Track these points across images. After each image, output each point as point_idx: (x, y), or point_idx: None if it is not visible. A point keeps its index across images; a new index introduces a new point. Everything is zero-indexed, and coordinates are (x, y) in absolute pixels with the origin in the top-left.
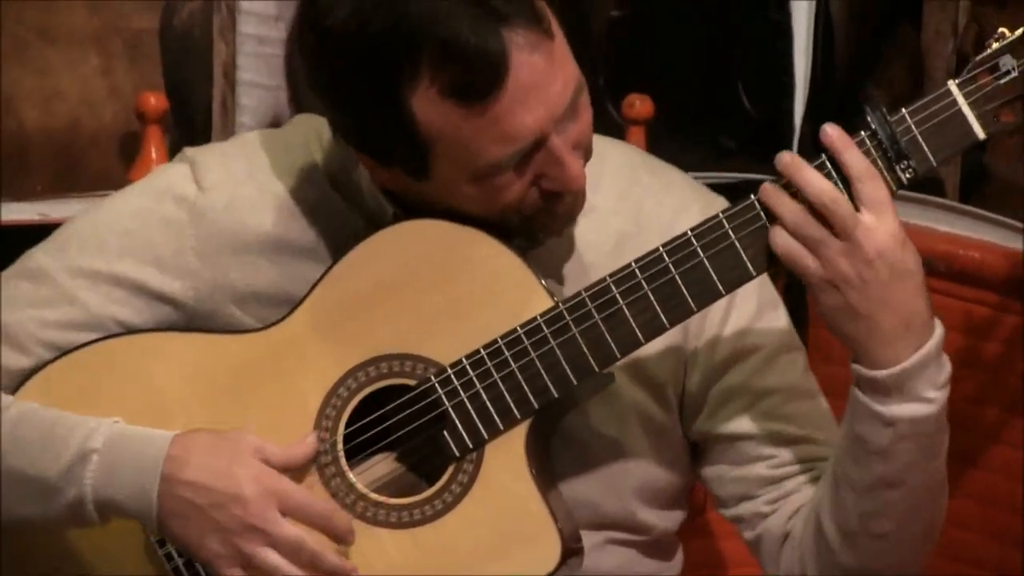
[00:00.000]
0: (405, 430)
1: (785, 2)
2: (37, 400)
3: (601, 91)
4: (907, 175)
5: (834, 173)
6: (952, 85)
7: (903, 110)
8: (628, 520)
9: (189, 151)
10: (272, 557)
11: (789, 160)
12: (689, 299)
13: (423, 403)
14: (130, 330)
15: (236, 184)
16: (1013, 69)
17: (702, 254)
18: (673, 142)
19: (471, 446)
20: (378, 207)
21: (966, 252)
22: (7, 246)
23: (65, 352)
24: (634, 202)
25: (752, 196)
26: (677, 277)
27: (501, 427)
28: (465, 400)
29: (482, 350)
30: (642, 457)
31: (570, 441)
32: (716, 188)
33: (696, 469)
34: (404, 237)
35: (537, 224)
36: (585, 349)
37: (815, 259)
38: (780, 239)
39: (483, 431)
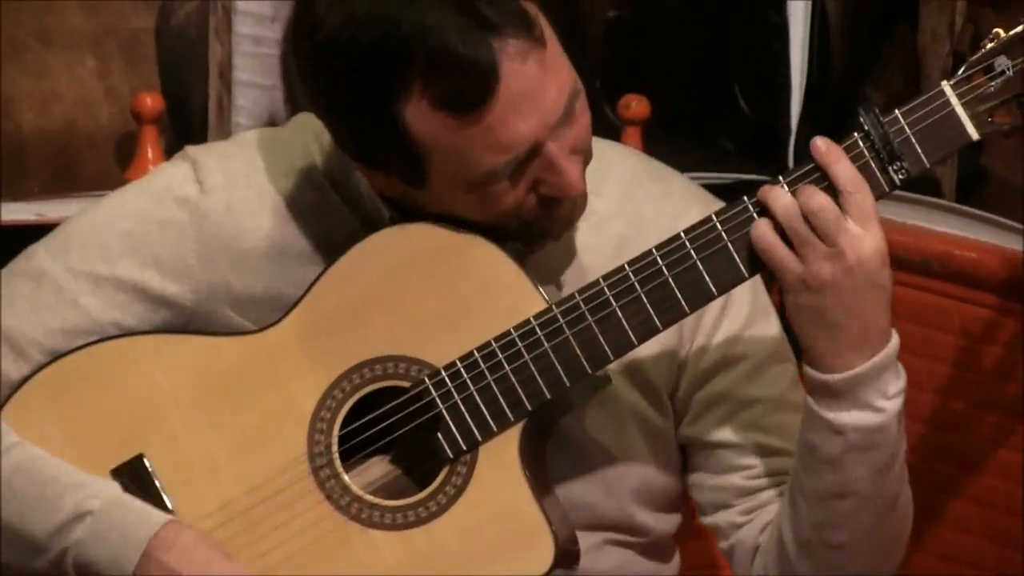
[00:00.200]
0: (400, 432)
1: (782, 3)
2: (34, 406)
3: (597, 92)
4: (900, 176)
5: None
6: (946, 86)
7: (896, 111)
8: (626, 522)
9: (191, 150)
10: None
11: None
12: (682, 301)
13: (417, 405)
14: (128, 333)
15: (236, 187)
16: (1008, 69)
17: (695, 256)
18: (670, 143)
19: (465, 448)
20: (376, 210)
21: (962, 252)
22: (5, 246)
23: (60, 355)
24: (635, 207)
25: (745, 198)
26: (670, 279)
27: (495, 429)
28: (459, 402)
29: (476, 352)
30: (639, 460)
31: (567, 443)
32: (712, 189)
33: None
34: (399, 240)
35: (536, 228)
36: (578, 351)
37: (794, 257)
38: (761, 232)
39: (477, 433)
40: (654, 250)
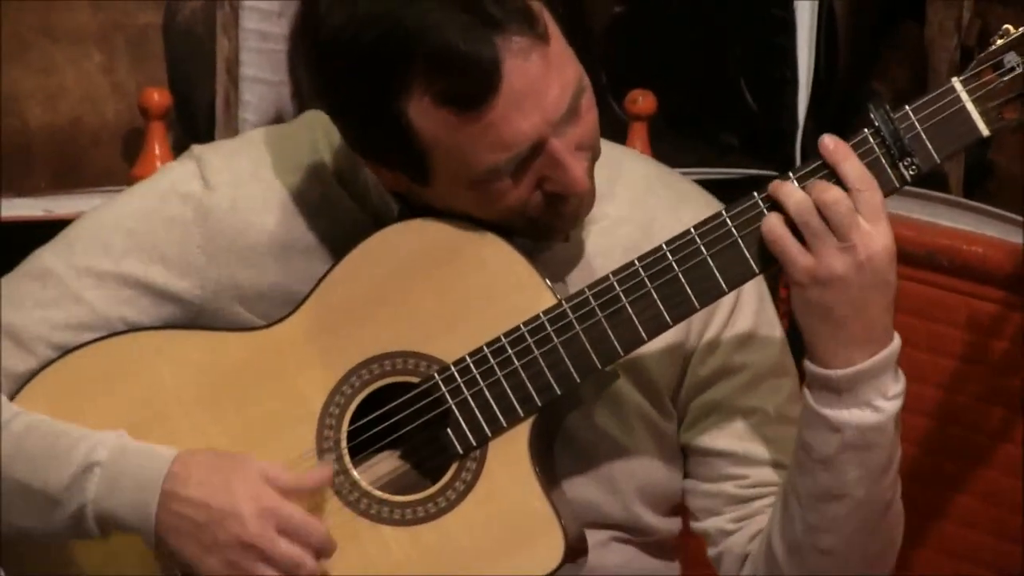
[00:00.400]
0: (409, 428)
1: None
2: (40, 400)
3: (603, 87)
4: (910, 172)
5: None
6: (956, 82)
7: (906, 107)
8: (630, 522)
9: (196, 148)
10: (269, 574)
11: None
12: (692, 296)
13: (426, 401)
14: (135, 328)
15: (241, 184)
16: (1018, 66)
17: (705, 251)
18: (675, 138)
19: (474, 444)
20: (384, 205)
21: (969, 247)
22: (11, 242)
23: (68, 351)
24: (646, 213)
25: (755, 193)
26: (680, 274)
27: (504, 425)
28: (468, 398)
29: (485, 348)
30: (645, 460)
31: (574, 442)
32: (718, 184)
33: None
34: (407, 235)
35: (542, 226)
36: (588, 346)
37: (804, 251)
38: (772, 225)
39: (486, 429)
40: (664, 245)
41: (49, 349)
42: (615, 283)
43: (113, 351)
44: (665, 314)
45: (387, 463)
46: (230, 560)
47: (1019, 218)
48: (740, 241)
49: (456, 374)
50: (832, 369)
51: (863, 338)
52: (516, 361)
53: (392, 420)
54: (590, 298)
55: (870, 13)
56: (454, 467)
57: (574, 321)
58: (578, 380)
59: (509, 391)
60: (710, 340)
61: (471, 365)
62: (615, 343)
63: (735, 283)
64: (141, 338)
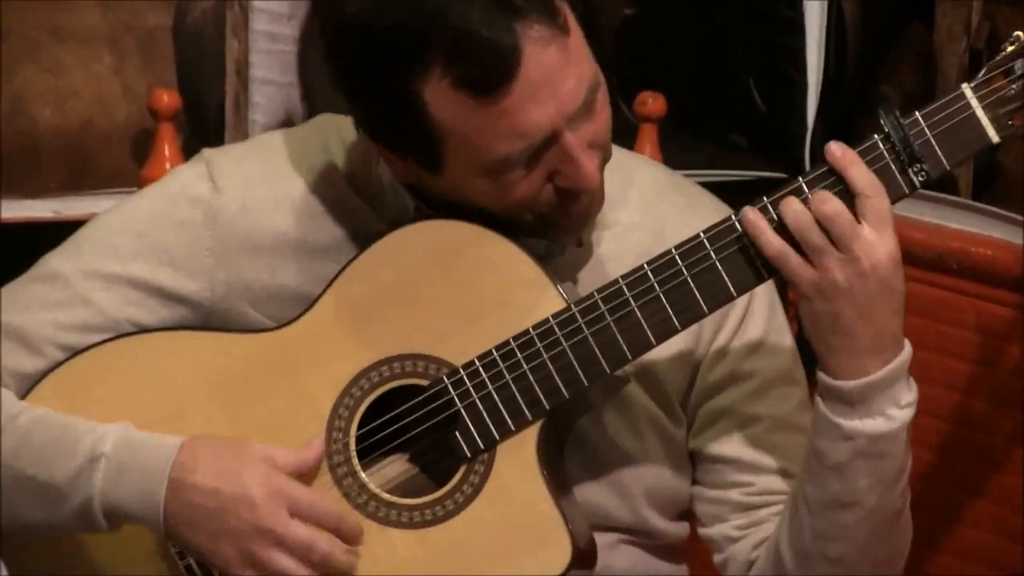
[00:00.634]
0: (417, 430)
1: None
2: (51, 401)
3: (613, 89)
4: (920, 178)
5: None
6: (966, 88)
7: (917, 113)
8: (639, 525)
9: (206, 151)
10: (283, 559)
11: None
12: (701, 301)
13: (435, 404)
14: (144, 330)
15: (251, 186)
16: None
17: (714, 256)
18: (684, 140)
19: (482, 447)
20: (399, 202)
21: (978, 249)
22: (21, 243)
23: (78, 352)
24: (658, 219)
25: (764, 198)
26: (689, 279)
27: (513, 428)
28: (477, 401)
29: (494, 351)
30: (655, 465)
31: (583, 446)
32: (727, 186)
33: None
34: (418, 238)
35: (551, 223)
36: (597, 350)
37: (806, 264)
38: (771, 240)
39: (494, 432)
40: (673, 250)
41: (57, 351)
42: (624, 287)
43: (122, 352)
44: (674, 318)
45: (396, 466)
46: (243, 546)
47: None
48: (749, 246)
49: (465, 377)
50: (844, 380)
51: (873, 347)
52: (525, 364)
53: (401, 423)
54: (599, 302)
55: (879, 15)
56: (462, 470)
57: (583, 325)
58: (586, 384)
59: (517, 394)
60: (720, 346)
61: (480, 368)
62: (624, 347)
63: (744, 288)
64: (150, 339)
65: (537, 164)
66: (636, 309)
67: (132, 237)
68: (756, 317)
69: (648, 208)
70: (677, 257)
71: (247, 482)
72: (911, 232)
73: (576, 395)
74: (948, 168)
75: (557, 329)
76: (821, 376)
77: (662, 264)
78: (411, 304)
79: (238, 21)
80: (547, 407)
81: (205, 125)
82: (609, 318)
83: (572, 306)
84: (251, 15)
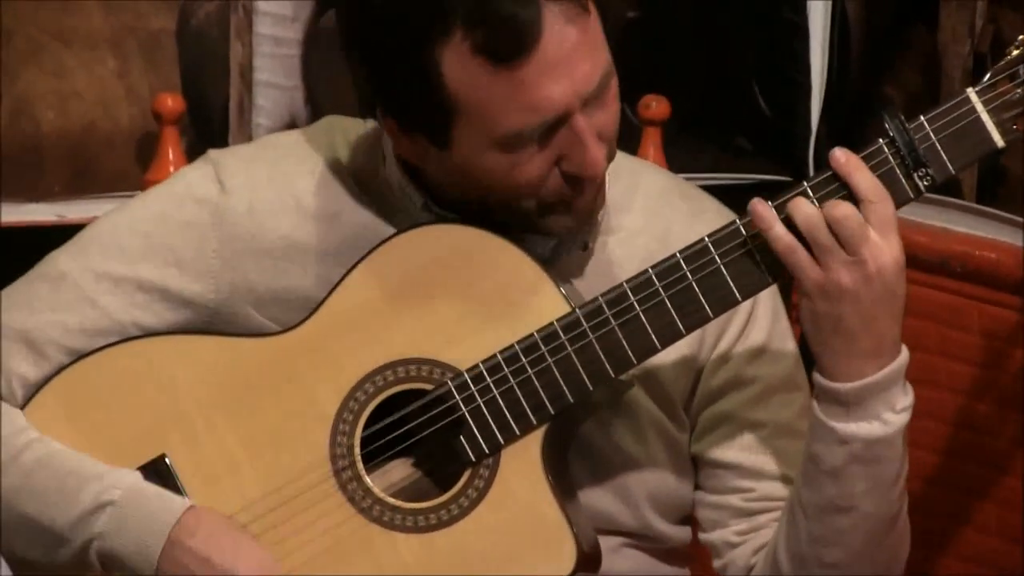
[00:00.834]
0: (422, 435)
1: (801, 2)
2: (53, 407)
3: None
4: (925, 183)
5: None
6: (971, 92)
7: (921, 117)
8: (642, 530)
9: (213, 153)
10: None
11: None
12: (706, 305)
13: (440, 408)
14: (149, 333)
15: (257, 187)
16: None
17: (719, 260)
18: (688, 143)
19: (487, 451)
20: (407, 199)
21: (982, 253)
22: (24, 246)
23: (82, 356)
24: (664, 224)
25: (769, 203)
26: (694, 283)
27: (517, 432)
28: (482, 405)
29: (499, 355)
30: (659, 470)
31: (587, 451)
32: (731, 189)
33: None
34: (423, 241)
35: (553, 215)
36: (601, 355)
37: (814, 263)
38: (781, 235)
39: (499, 436)
40: (678, 254)
41: (62, 354)
42: (629, 291)
43: (127, 356)
44: (679, 323)
45: (400, 470)
46: None
47: None
48: (754, 250)
49: (469, 381)
50: (841, 382)
51: (872, 351)
52: (529, 369)
53: (405, 427)
54: (604, 306)
55: (883, 18)
56: (467, 474)
57: (588, 329)
58: (591, 388)
59: (522, 399)
60: (723, 351)
61: (484, 373)
62: (628, 352)
63: (749, 292)
64: (157, 343)
65: (546, 145)
66: (641, 314)
67: (138, 238)
68: (759, 322)
69: (653, 213)
70: (682, 262)
71: (239, 559)
72: (915, 235)
73: (581, 400)
74: (953, 173)
75: (562, 333)
76: (817, 378)
77: (667, 268)
78: (415, 308)
79: (242, 24)
80: (552, 412)
81: (209, 128)
82: (614, 323)
83: (577, 310)
84: (255, 18)
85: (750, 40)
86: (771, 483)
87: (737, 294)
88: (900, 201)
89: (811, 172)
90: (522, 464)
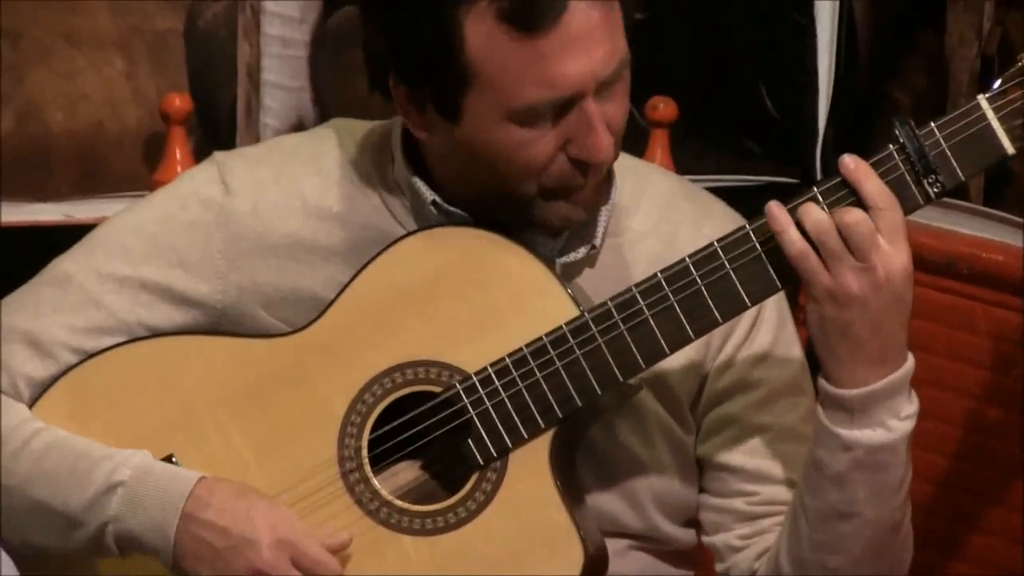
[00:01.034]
0: (430, 437)
1: (809, 4)
2: (61, 406)
3: None
4: (935, 189)
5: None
6: (982, 99)
7: (932, 124)
8: (648, 532)
9: (218, 155)
10: None
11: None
12: (715, 310)
13: (448, 411)
14: (157, 333)
15: (263, 188)
16: None
17: (728, 266)
18: (695, 145)
19: (495, 454)
20: (415, 197)
21: (989, 255)
22: (33, 246)
23: (90, 356)
24: (671, 226)
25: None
26: (703, 288)
27: (525, 436)
28: (490, 408)
29: (507, 358)
30: (665, 472)
31: (595, 454)
32: (738, 191)
33: None
34: (432, 244)
35: (553, 201)
36: (610, 358)
37: (824, 269)
38: (792, 238)
39: (507, 440)
40: (687, 258)
41: (69, 353)
42: (638, 295)
43: (134, 356)
44: (688, 327)
45: (408, 472)
46: None
47: None
48: (763, 255)
49: (477, 384)
50: (846, 388)
51: (878, 358)
52: (537, 372)
53: (413, 429)
54: (612, 310)
55: (890, 19)
56: (474, 478)
57: (596, 333)
58: (599, 392)
59: (530, 402)
60: (729, 354)
61: (492, 376)
62: (637, 356)
63: (758, 297)
64: (163, 343)
65: (557, 124)
66: (650, 318)
67: (143, 239)
68: (766, 326)
69: (660, 216)
70: (691, 266)
71: (256, 525)
72: (921, 237)
73: (589, 403)
74: (963, 179)
75: (570, 337)
76: (822, 384)
77: (676, 273)
78: (424, 310)
79: (250, 25)
80: (560, 415)
81: (217, 129)
82: (623, 327)
83: (586, 314)
84: (263, 19)
85: (757, 42)
86: (775, 487)
87: (746, 299)
88: (910, 207)
89: (818, 174)
90: (530, 467)
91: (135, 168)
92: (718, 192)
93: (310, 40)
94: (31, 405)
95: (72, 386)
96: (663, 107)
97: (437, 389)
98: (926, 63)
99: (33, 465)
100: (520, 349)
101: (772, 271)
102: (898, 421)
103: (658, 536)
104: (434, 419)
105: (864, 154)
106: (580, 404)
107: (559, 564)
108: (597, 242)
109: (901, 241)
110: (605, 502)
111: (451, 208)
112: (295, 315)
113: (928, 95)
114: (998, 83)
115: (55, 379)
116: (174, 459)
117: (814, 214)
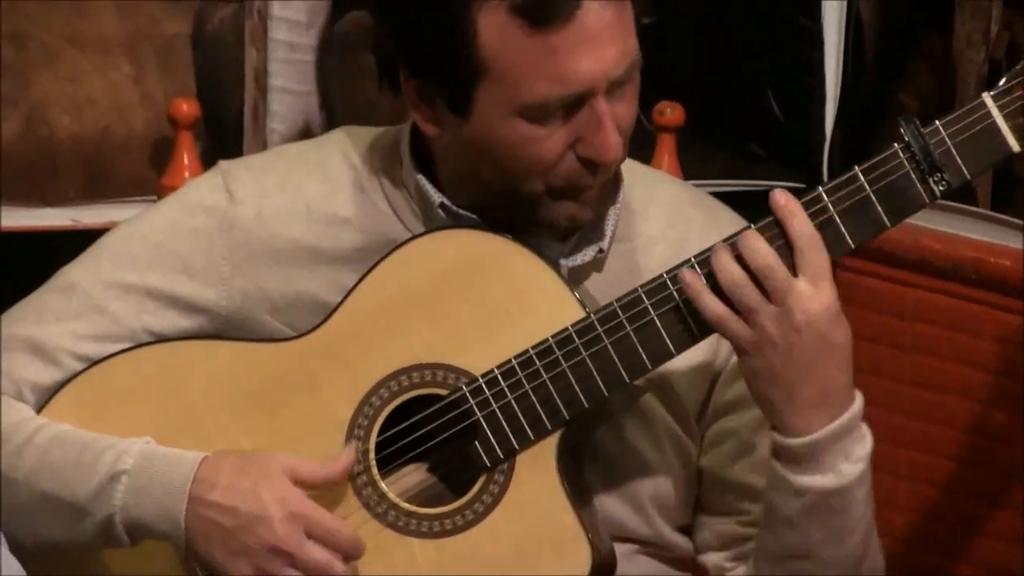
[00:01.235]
0: (437, 440)
1: (816, 8)
2: (67, 411)
3: None
4: (940, 187)
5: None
6: (987, 97)
7: (937, 122)
8: (654, 538)
9: (223, 163)
10: None
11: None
12: None
13: (454, 413)
14: (162, 339)
15: (267, 195)
16: None
17: None
18: (702, 149)
19: (502, 457)
20: (424, 200)
21: (995, 259)
22: (39, 251)
23: (95, 362)
24: (680, 233)
25: (692, 257)
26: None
27: (532, 438)
28: (496, 410)
29: (513, 360)
30: (672, 477)
31: (602, 457)
32: (745, 196)
33: None
34: (438, 246)
35: (559, 201)
36: (616, 360)
37: (744, 323)
38: (709, 304)
39: (514, 442)
40: (693, 259)
41: (74, 360)
42: (643, 296)
43: (140, 361)
44: (693, 328)
45: (415, 475)
46: (259, 565)
47: None
48: None
49: (484, 387)
50: (790, 437)
51: (818, 402)
52: (544, 374)
53: (420, 432)
54: (618, 311)
55: (897, 23)
56: (482, 480)
57: (602, 334)
58: (606, 394)
59: (537, 404)
60: (736, 365)
61: (499, 378)
62: (643, 357)
63: None
64: (169, 348)
65: (566, 122)
66: (656, 318)
67: (149, 247)
68: None
69: (670, 222)
70: (696, 266)
71: (264, 501)
72: (928, 241)
73: (596, 405)
74: (968, 177)
75: (576, 338)
76: (770, 434)
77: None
78: (430, 313)
79: (257, 30)
80: (566, 416)
81: (224, 134)
82: (628, 327)
83: (592, 316)
84: (270, 24)
85: (764, 46)
86: None
87: None
88: (915, 206)
89: (825, 178)
90: (537, 469)
91: (142, 173)
92: (724, 197)
93: (317, 45)
94: (38, 411)
95: (78, 392)
96: (670, 112)
97: (443, 392)
98: (933, 67)
99: (39, 459)
100: (526, 351)
101: None
102: (850, 464)
103: (663, 542)
104: (441, 422)
105: (871, 157)
106: (587, 406)
107: (567, 566)
108: (605, 243)
109: (823, 282)
110: (612, 506)
111: (459, 211)
112: (300, 320)
113: (935, 98)
114: (1003, 81)
115: (61, 385)
116: None
117: (726, 267)
